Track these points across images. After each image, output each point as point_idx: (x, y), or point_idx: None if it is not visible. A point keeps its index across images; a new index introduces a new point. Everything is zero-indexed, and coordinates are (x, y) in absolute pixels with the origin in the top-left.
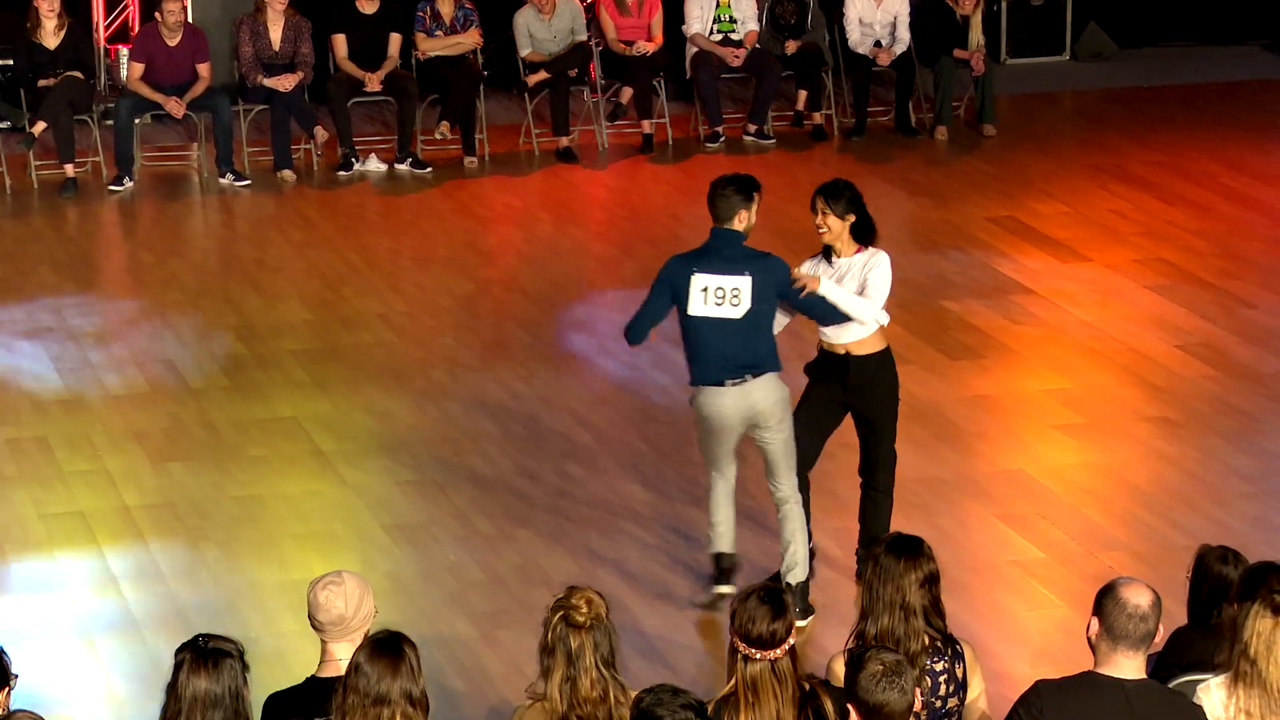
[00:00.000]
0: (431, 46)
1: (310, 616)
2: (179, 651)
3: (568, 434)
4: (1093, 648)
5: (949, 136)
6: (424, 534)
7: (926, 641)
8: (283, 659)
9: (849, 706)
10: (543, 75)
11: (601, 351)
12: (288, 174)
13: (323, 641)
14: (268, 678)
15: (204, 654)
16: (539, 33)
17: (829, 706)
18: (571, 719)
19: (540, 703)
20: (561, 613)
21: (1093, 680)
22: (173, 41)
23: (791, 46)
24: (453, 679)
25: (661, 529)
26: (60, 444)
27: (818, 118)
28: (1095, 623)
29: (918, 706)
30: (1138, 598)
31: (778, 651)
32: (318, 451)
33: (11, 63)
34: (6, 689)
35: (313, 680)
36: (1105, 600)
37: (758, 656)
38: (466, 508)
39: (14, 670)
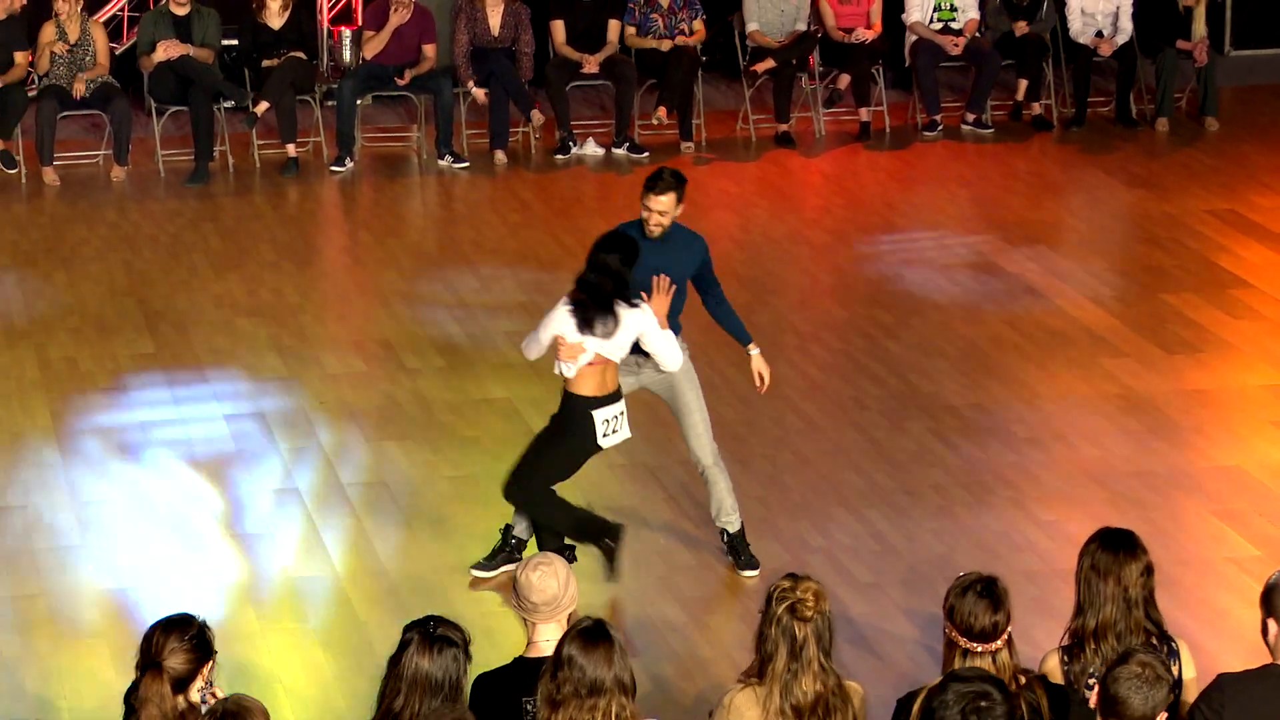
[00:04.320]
0: (639, 44)
1: (521, 598)
2: (408, 629)
3: (780, 420)
4: (1271, 649)
5: (1170, 128)
6: (635, 518)
7: (1145, 636)
8: (491, 638)
9: (1093, 683)
10: (770, 64)
11: (814, 339)
12: (500, 155)
13: (529, 623)
14: (476, 657)
15: (432, 639)
16: (769, 11)
17: (1044, 704)
18: (788, 710)
19: (752, 688)
20: (788, 604)
21: (1277, 673)
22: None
23: (1021, 28)
24: (662, 664)
25: (874, 518)
26: (277, 421)
27: (1036, 108)
28: (1275, 625)
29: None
30: None
31: (998, 643)
32: (531, 433)
33: (236, 43)
34: (210, 663)
35: (520, 661)
36: (1275, 598)
37: (979, 650)
38: (677, 492)
39: (215, 646)
